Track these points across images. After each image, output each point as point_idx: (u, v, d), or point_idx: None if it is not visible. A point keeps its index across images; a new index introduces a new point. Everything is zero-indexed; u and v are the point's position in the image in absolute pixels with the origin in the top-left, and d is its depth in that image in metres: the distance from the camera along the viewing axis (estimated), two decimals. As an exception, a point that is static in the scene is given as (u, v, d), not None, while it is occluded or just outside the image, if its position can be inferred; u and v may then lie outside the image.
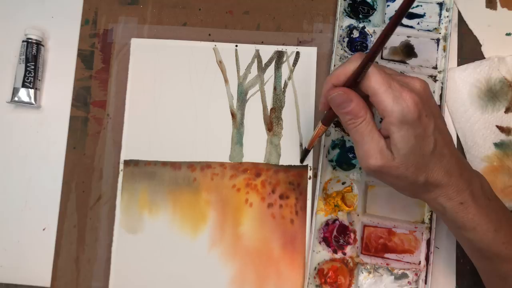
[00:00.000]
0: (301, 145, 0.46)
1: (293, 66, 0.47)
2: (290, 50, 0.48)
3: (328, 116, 0.37)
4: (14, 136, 0.48)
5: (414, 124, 0.31)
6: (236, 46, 0.48)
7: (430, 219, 0.44)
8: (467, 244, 0.37)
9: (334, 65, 0.46)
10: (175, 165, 0.46)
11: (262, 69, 0.48)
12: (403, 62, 0.47)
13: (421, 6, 0.47)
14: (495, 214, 0.35)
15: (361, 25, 0.47)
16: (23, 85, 0.46)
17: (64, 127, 0.48)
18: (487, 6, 0.48)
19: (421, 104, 0.32)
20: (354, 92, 0.33)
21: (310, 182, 0.46)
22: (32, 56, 0.47)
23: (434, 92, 0.46)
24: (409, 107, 0.31)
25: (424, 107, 0.32)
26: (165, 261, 0.45)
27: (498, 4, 0.48)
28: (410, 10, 0.47)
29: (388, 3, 0.47)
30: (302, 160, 0.46)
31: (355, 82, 0.33)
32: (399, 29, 0.46)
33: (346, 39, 0.47)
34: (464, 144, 0.46)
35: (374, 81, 0.32)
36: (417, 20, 0.47)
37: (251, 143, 0.47)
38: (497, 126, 0.45)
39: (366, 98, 0.33)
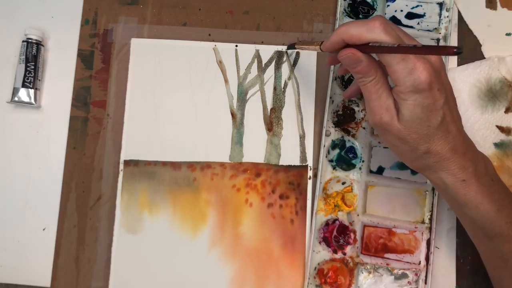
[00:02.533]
0: (300, 141, 0.46)
1: (293, 66, 0.47)
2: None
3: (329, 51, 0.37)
4: (14, 136, 0.48)
5: (424, 94, 0.31)
6: (236, 46, 0.48)
7: (430, 219, 0.44)
8: (469, 223, 0.37)
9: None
10: (175, 165, 0.46)
11: (262, 69, 0.48)
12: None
13: (421, 6, 0.47)
14: (498, 195, 0.35)
15: (361, 25, 0.47)
16: (23, 85, 0.46)
17: (64, 127, 0.48)
18: (487, 6, 0.48)
19: (435, 77, 0.31)
20: (364, 54, 0.33)
21: (310, 182, 0.46)
22: (32, 56, 0.47)
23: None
24: (420, 78, 0.31)
25: (437, 80, 0.32)
26: (165, 261, 0.45)
27: (498, 4, 0.48)
28: (410, 10, 0.47)
29: (388, 3, 0.47)
30: (288, 48, 0.47)
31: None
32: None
33: (346, 39, 0.47)
34: (464, 144, 0.46)
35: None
36: (417, 20, 0.47)
37: (251, 143, 0.47)
38: (497, 126, 0.45)
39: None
